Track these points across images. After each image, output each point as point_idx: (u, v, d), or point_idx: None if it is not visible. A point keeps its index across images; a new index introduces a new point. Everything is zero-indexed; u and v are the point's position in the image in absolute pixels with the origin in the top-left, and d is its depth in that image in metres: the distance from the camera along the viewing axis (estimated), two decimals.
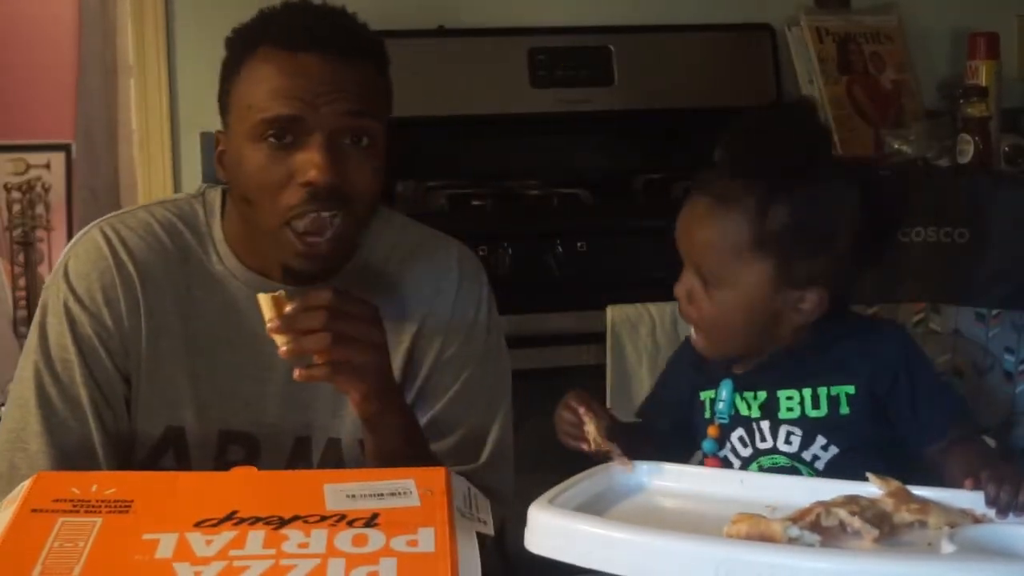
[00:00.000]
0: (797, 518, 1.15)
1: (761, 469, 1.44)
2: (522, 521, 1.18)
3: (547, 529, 1.15)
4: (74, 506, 1.14)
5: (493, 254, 2.36)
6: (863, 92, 2.92)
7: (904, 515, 1.19)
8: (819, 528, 1.15)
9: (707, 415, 1.50)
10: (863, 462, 1.34)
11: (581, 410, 1.41)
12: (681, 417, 1.53)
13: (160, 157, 2.75)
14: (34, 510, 1.13)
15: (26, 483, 1.18)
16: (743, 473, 1.39)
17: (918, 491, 1.23)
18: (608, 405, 2.14)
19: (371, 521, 1.12)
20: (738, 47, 2.97)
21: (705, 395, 1.51)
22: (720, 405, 1.47)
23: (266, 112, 1.40)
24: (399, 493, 1.17)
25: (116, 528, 1.11)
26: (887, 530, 1.17)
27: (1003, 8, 3.06)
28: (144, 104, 2.75)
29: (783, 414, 1.44)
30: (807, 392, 1.44)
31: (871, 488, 1.24)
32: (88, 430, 1.45)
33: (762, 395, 1.46)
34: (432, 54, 2.75)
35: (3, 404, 1.68)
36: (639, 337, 2.35)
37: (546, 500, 1.20)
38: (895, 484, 1.24)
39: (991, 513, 1.21)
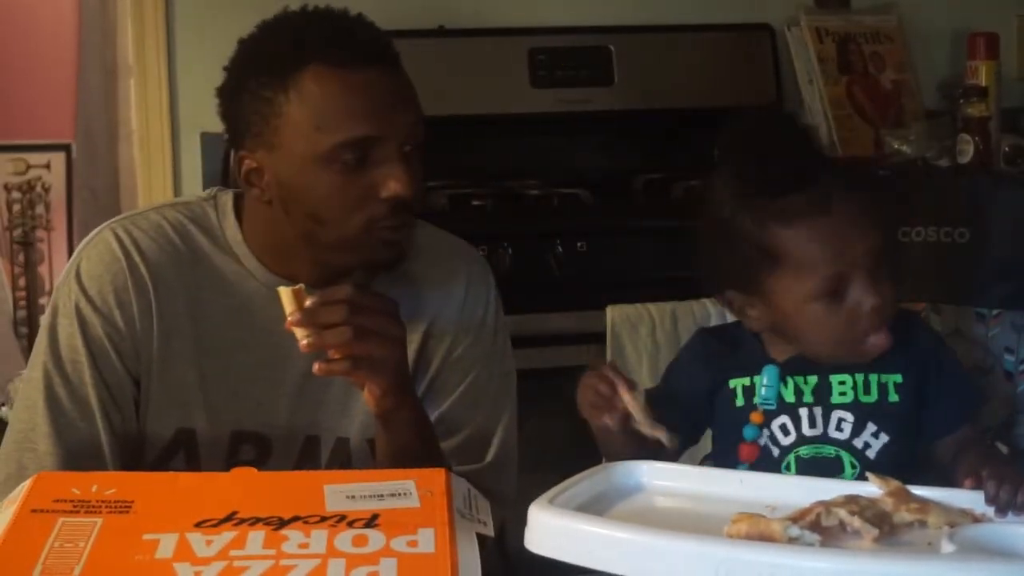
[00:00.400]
0: (797, 518, 1.15)
1: (800, 459, 1.44)
2: (522, 521, 1.18)
3: (547, 529, 1.15)
4: (74, 506, 1.14)
5: (493, 254, 2.36)
6: (863, 92, 2.92)
7: (904, 515, 1.19)
8: (819, 528, 1.15)
9: (740, 402, 1.48)
10: (912, 452, 1.35)
11: (619, 383, 1.37)
12: (691, 412, 1.52)
13: (160, 157, 2.75)
14: (34, 510, 1.13)
15: (26, 483, 1.18)
16: (743, 473, 1.40)
17: (918, 491, 1.23)
18: None
19: (371, 522, 1.12)
20: (738, 47, 2.96)
21: (737, 382, 1.49)
22: (764, 391, 1.46)
23: (344, 134, 1.40)
24: (399, 494, 1.17)
25: (116, 528, 1.11)
26: (887, 530, 1.17)
27: (1003, 8, 3.06)
28: (144, 104, 2.75)
29: (835, 399, 1.45)
30: (859, 377, 1.45)
31: (871, 488, 1.24)
32: (96, 431, 1.45)
33: (813, 379, 1.46)
34: (432, 54, 2.75)
35: (3, 404, 1.69)
36: (639, 337, 2.34)
37: (546, 500, 1.20)
38: (895, 484, 1.24)
39: (991, 513, 1.21)
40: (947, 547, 1.08)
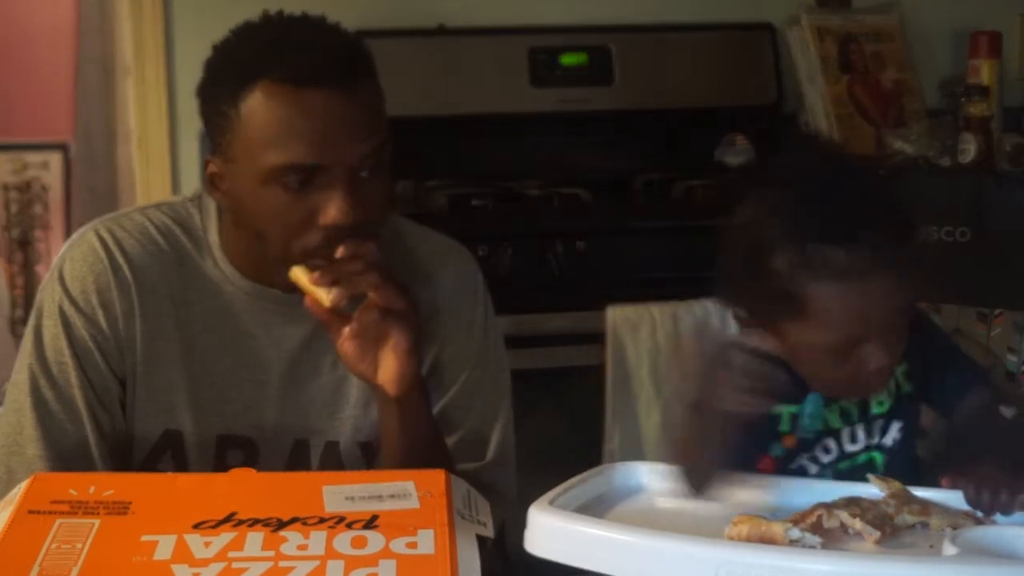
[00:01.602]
0: (798, 520, 1.15)
1: (838, 474, 1.42)
2: (522, 522, 1.18)
3: (547, 530, 1.15)
4: (72, 507, 1.14)
5: (493, 254, 2.36)
6: (864, 91, 2.92)
7: (906, 517, 1.19)
8: (820, 530, 1.14)
9: (786, 428, 1.43)
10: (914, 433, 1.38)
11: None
12: None
13: (159, 157, 2.75)
14: (31, 511, 1.13)
15: (23, 484, 1.17)
16: (743, 474, 1.39)
17: (919, 492, 1.23)
18: (608, 405, 2.13)
19: (370, 523, 1.12)
20: (738, 47, 2.97)
21: (785, 409, 1.42)
22: (807, 420, 1.42)
23: (281, 159, 1.36)
24: (398, 495, 1.17)
25: (114, 529, 1.11)
26: (888, 532, 1.16)
27: (1005, 7, 3.06)
28: (143, 104, 2.75)
29: (875, 409, 1.43)
30: (890, 382, 1.43)
31: (872, 490, 1.24)
32: (84, 433, 1.44)
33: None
34: (432, 54, 2.75)
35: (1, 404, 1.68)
36: (640, 338, 2.34)
37: (546, 501, 1.19)
38: (896, 485, 1.24)
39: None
40: (949, 549, 1.08)
